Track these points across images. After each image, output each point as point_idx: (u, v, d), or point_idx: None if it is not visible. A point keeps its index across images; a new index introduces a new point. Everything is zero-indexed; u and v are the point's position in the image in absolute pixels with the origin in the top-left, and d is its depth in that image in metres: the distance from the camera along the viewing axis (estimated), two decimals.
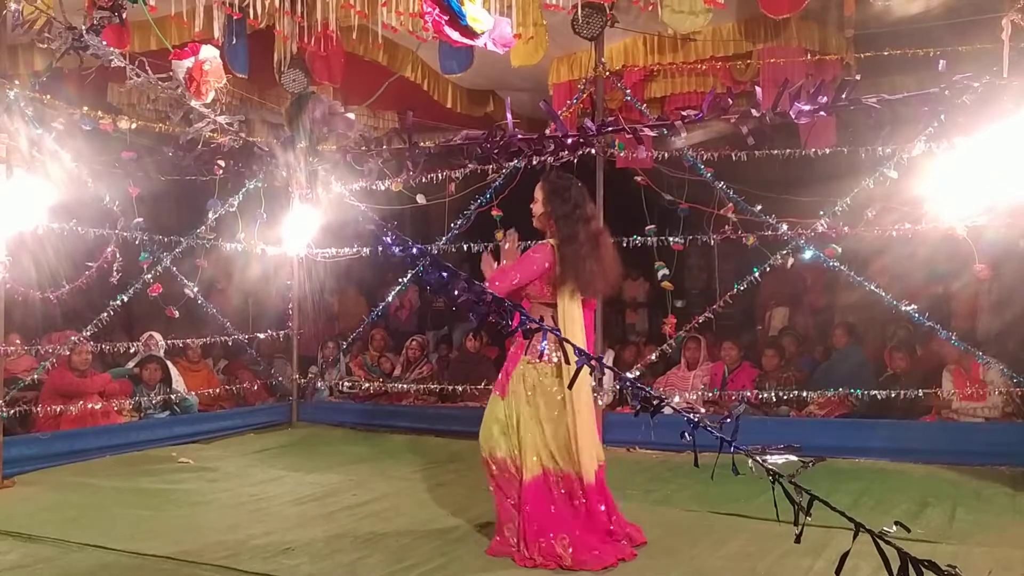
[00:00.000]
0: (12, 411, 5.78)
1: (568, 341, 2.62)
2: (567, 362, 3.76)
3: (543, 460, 3.91)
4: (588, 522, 3.92)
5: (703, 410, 6.88)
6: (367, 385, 8.25)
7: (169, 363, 7.52)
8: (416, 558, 3.88)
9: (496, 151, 2.90)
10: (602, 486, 4.04)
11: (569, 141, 2.86)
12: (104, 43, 2.76)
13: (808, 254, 6.51)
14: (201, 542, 4.15)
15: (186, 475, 5.89)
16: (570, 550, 3.77)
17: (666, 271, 7.02)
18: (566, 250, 3.94)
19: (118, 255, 6.35)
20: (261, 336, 8.25)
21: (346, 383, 8.38)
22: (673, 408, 2.24)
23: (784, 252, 6.53)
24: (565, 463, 3.93)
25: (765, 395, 6.75)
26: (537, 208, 4.10)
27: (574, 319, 3.91)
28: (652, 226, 6.87)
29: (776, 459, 1.99)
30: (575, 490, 3.94)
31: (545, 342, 3.80)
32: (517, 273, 3.90)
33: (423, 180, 7.35)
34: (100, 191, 6.17)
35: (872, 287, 6.32)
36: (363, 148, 3.05)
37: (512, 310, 2.49)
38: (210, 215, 7.37)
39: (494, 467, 3.97)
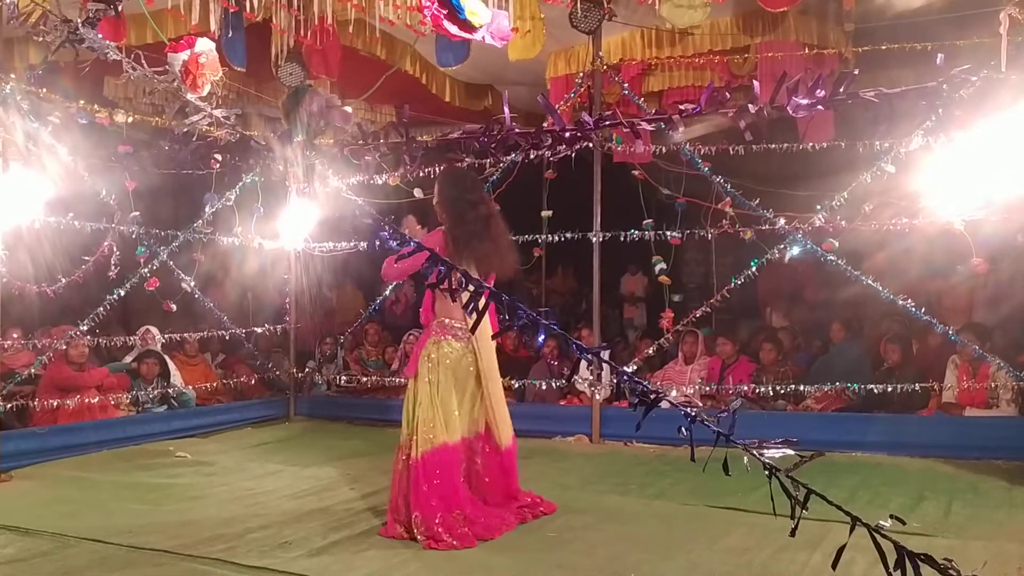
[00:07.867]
0: (9, 405, 5.78)
1: (574, 341, 2.61)
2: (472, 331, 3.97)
3: (437, 434, 4.03)
4: (492, 488, 4.18)
5: (700, 404, 6.89)
6: (364, 379, 8.25)
7: (167, 357, 7.51)
8: (413, 551, 3.88)
9: (494, 145, 2.91)
10: (512, 457, 4.31)
11: (566, 135, 2.86)
12: (100, 36, 2.75)
13: (804, 249, 6.51)
14: (198, 536, 4.14)
15: (183, 469, 5.89)
16: (468, 525, 3.95)
17: (663, 265, 7.02)
18: (456, 231, 4.10)
19: (115, 249, 6.33)
20: (259, 330, 8.23)
21: (343, 377, 8.38)
22: (670, 402, 2.24)
23: (782, 246, 6.53)
24: (470, 432, 4.16)
25: (762, 389, 6.76)
26: (434, 197, 4.29)
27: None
28: (649, 220, 6.86)
29: (773, 453, 2.00)
30: (479, 459, 4.18)
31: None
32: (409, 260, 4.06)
33: (421, 174, 7.33)
34: (97, 185, 6.15)
35: (869, 281, 6.32)
36: (360, 142, 3.04)
37: (507, 301, 2.48)
38: (207, 209, 7.35)
39: (400, 454, 4.16)
